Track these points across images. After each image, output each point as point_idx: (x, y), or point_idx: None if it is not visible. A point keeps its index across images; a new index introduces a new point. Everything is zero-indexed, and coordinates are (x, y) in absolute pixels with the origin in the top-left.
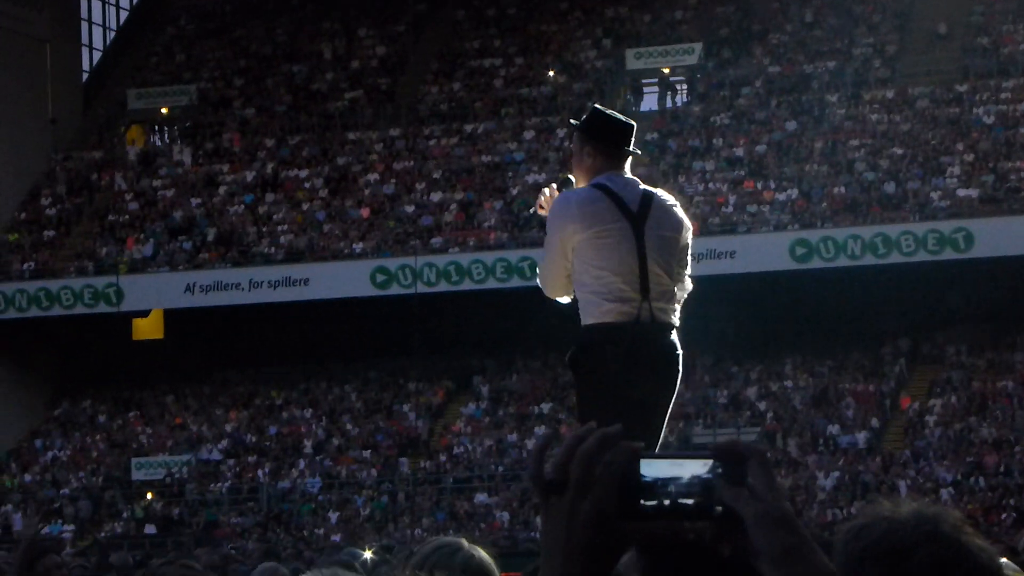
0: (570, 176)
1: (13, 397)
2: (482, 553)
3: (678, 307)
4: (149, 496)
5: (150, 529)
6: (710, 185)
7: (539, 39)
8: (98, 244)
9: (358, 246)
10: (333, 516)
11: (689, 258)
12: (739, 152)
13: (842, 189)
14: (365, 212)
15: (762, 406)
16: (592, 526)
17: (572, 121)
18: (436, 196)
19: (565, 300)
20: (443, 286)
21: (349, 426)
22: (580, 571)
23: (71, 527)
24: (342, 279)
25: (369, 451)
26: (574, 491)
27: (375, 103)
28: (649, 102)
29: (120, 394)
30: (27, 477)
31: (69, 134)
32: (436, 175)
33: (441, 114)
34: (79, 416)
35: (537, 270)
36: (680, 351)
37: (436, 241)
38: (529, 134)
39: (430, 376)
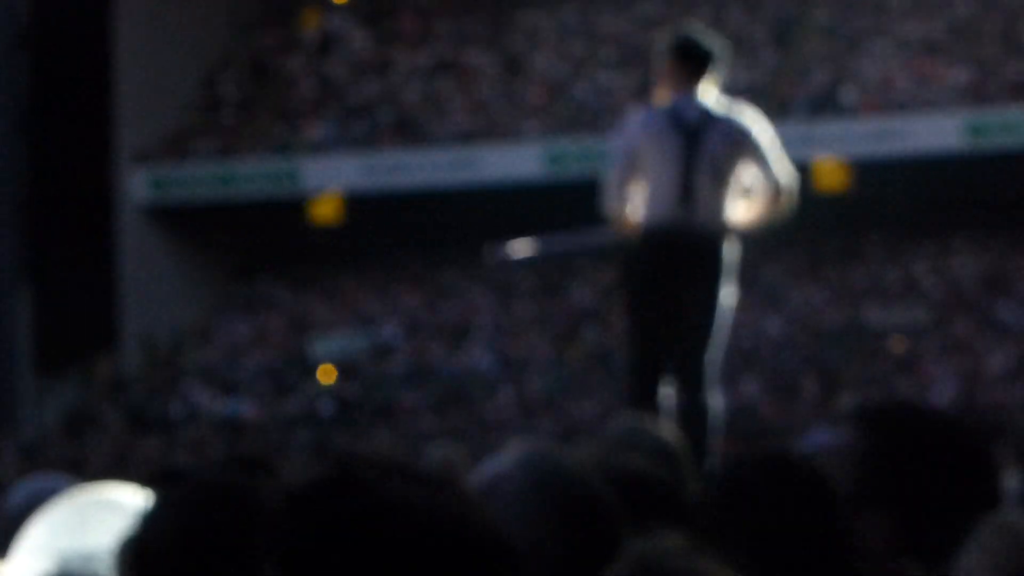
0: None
1: (194, 278)
2: (669, 434)
3: (736, 211)
4: (326, 373)
5: (326, 407)
6: (884, 66)
7: None
8: (275, 127)
9: (530, 127)
10: (507, 395)
11: (766, 160)
12: (914, 32)
13: (1016, 70)
14: (538, 94)
15: (933, 286)
16: None
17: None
18: (609, 78)
19: (615, 211)
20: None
21: (521, 306)
22: None
23: (250, 403)
24: (514, 161)
25: (540, 330)
26: None
27: None
28: None
29: (298, 275)
30: (207, 355)
31: (245, 18)
32: (608, 57)
33: None
34: (258, 296)
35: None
36: (725, 255)
37: (609, 123)
38: (702, 15)
39: (603, 256)
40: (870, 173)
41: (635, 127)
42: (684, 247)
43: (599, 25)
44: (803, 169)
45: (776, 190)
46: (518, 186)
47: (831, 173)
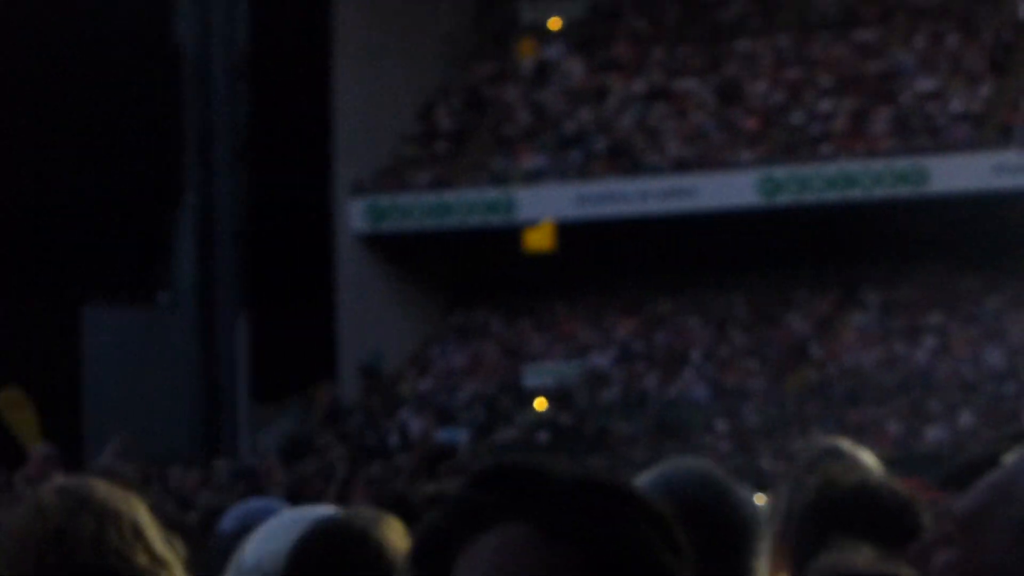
0: None
1: (410, 306)
2: (867, 456)
3: None
4: (540, 403)
5: (541, 435)
6: None
7: None
8: (491, 157)
9: (746, 156)
10: (721, 425)
11: None
12: None
13: None
14: (753, 122)
15: None
16: None
17: None
18: (825, 104)
19: None
20: (831, 195)
21: (736, 335)
22: None
23: (466, 432)
24: (730, 189)
25: (756, 360)
26: None
27: (764, 11)
28: None
29: (512, 303)
30: (423, 384)
31: (462, 48)
32: (825, 83)
33: (830, 21)
34: (473, 324)
35: None
36: None
37: (825, 150)
38: (920, 41)
39: (818, 286)
40: None
41: None
42: None
43: (815, 51)
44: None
45: None
46: (733, 214)
47: None
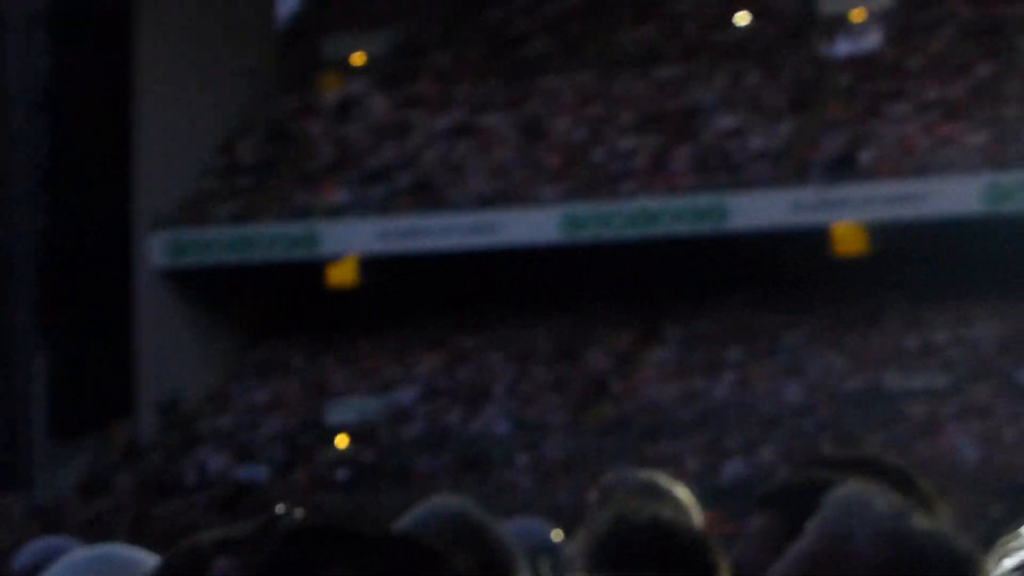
0: None
1: (211, 342)
2: (682, 492)
3: None
4: (342, 439)
5: (342, 473)
6: (903, 129)
7: None
8: (294, 191)
9: (549, 192)
10: (522, 460)
11: None
12: (932, 95)
13: None
14: (556, 158)
15: (953, 352)
16: None
17: None
18: (627, 141)
19: None
20: (632, 232)
21: (538, 370)
22: None
23: (266, 469)
24: (532, 225)
25: (557, 395)
26: None
27: (567, 48)
28: (842, 46)
29: (315, 339)
30: (223, 420)
31: (265, 81)
32: (627, 121)
33: (632, 59)
34: (275, 360)
35: None
36: None
37: (627, 187)
38: (721, 79)
39: (618, 321)
40: (890, 237)
41: None
42: None
43: (617, 89)
44: (822, 233)
45: None
46: (535, 250)
47: (850, 237)
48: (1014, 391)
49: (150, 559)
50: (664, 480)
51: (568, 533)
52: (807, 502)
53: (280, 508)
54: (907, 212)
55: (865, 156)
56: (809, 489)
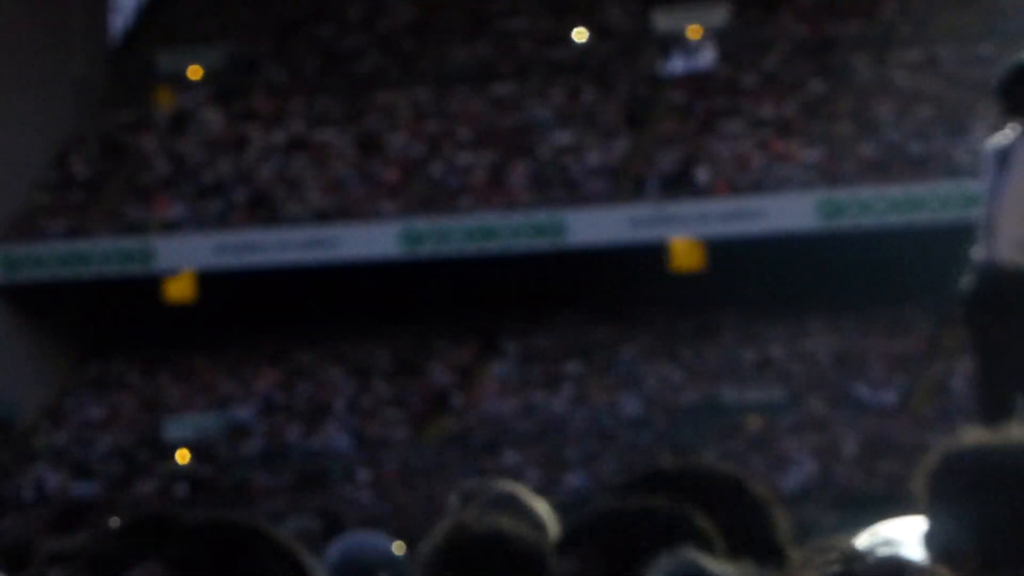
0: None
1: (44, 358)
2: (540, 505)
3: None
4: (182, 455)
5: (180, 488)
6: (737, 146)
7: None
8: (128, 206)
9: (387, 207)
10: (363, 475)
11: None
12: (766, 113)
13: (869, 149)
14: (394, 173)
15: (789, 365)
16: None
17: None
18: (464, 157)
19: None
20: (471, 247)
21: (378, 385)
22: None
23: (102, 485)
24: (371, 240)
25: (398, 410)
26: None
27: (402, 64)
28: (677, 64)
29: (151, 354)
30: (58, 437)
31: (97, 95)
32: (464, 137)
33: (468, 75)
34: (110, 376)
35: None
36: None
37: (465, 202)
38: (556, 95)
39: (458, 336)
40: (725, 252)
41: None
42: (995, 288)
43: (453, 105)
44: (658, 249)
45: None
46: (374, 265)
47: (686, 253)
48: (849, 404)
49: None
50: (523, 492)
51: (410, 546)
52: (620, 539)
53: (114, 521)
54: (742, 228)
55: (700, 172)
56: (621, 523)
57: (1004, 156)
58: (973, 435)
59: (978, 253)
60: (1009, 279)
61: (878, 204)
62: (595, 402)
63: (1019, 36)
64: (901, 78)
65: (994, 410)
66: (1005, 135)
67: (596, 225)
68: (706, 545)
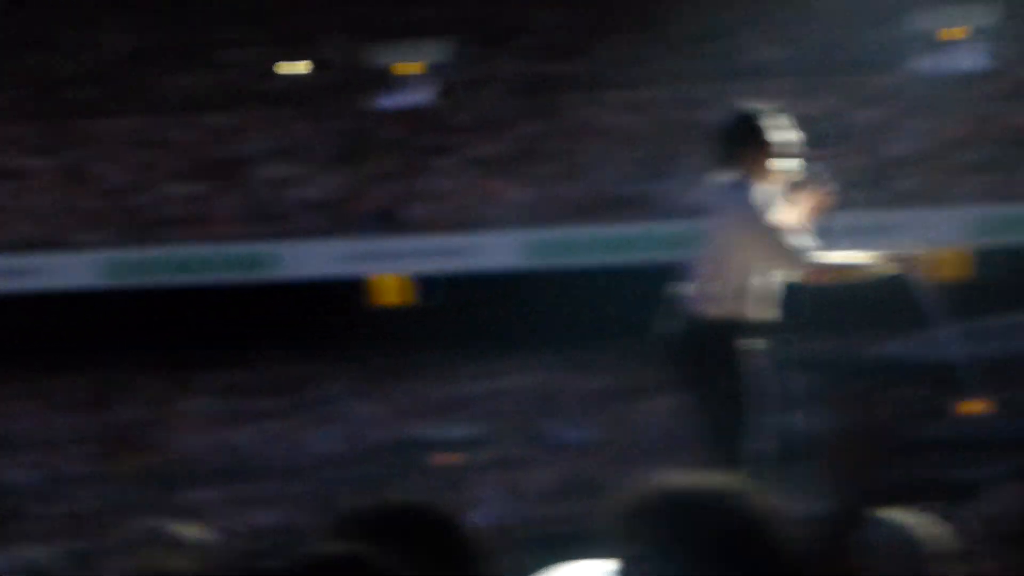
0: None
1: None
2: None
3: (735, 296)
4: None
5: None
6: (451, 183)
7: (286, 32)
8: None
9: (90, 238)
10: (50, 511)
11: (761, 243)
12: (481, 151)
13: (579, 190)
14: (99, 203)
15: (485, 403)
16: None
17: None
18: (173, 189)
19: None
20: (177, 279)
21: (66, 420)
22: None
23: None
24: (74, 270)
25: (87, 445)
26: None
27: (112, 94)
28: (394, 99)
29: None
30: None
31: None
32: (174, 167)
33: (180, 106)
34: None
35: None
36: (716, 341)
37: (172, 233)
38: (270, 128)
39: (156, 369)
40: (431, 289)
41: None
42: (694, 336)
43: (164, 135)
44: (364, 284)
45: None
46: (76, 295)
47: (392, 289)
48: (545, 442)
49: None
50: (193, 531)
51: None
52: None
53: None
54: (449, 265)
55: (411, 209)
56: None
57: (715, 203)
58: (667, 477)
59: (685, 291)
60: (701, 328)
61: (581, 244)
62: (293, 438)
63: (730, 80)
64: (613, 119)
65: (725, 444)
66: (719, 182)
67: (307, 259)
68: None
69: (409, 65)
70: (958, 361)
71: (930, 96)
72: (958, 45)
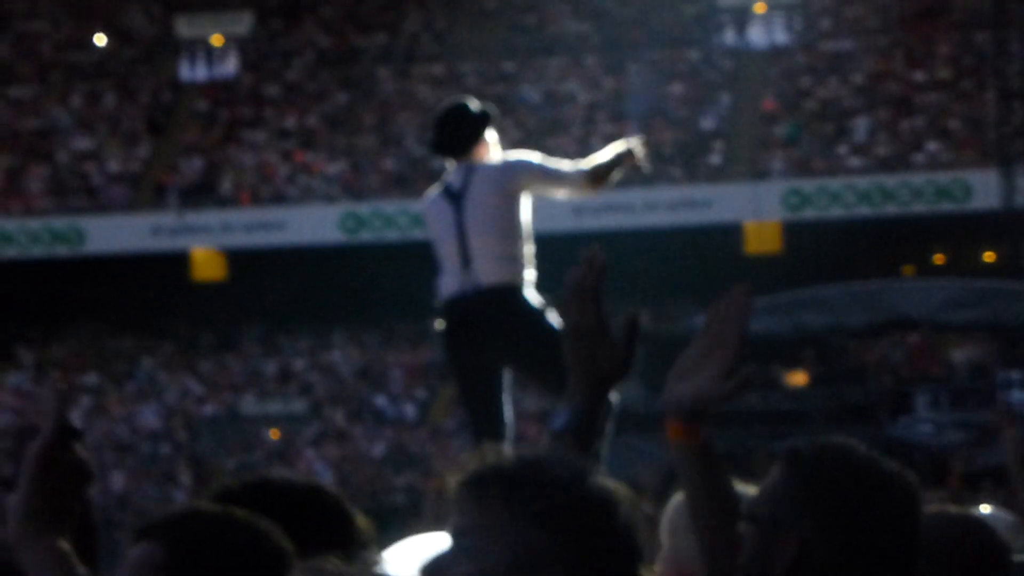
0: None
1: None
2: None
3: (518, 262)
4: None
5: None
6: (261, 156)
7: (87, 3)
8: None
9: None
10: None
11: (544, 181)
12: (290, 124)
13: (391, 163)
14: None
15: (311, 377)
16: None
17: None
18: None
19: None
20: None
21: None
22: None
23: None
24: None
25: None
26: None
27: None
28: (200, 71)
29: None
30: None
31: None
32: None
33: None
34: None
35: None
36: (525, 303)
37: None
38: (77, 100)
39: None
40: (247, 264)
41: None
42: (475, 312)
43: None
44: (179, 259)
45: (576, 181)
46: None
47: (207, 263)
48: (370, 416)
49: None
50: None
51: None
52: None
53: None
54: (264, 239)
55: (223, 182)
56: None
57: (454, 193)
58: (498, 451)
59: (448, 288)
60: (492, 297)
61: (400, 218)
62: (113, 414)
63: (540, 54)
64: (423, 92)
65: (487, 432)
66: (446, 178)
67: (116, 233)
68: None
69: (215, 37)
70: (773, 333)
71: (738, 70)
72: (766, 19)
